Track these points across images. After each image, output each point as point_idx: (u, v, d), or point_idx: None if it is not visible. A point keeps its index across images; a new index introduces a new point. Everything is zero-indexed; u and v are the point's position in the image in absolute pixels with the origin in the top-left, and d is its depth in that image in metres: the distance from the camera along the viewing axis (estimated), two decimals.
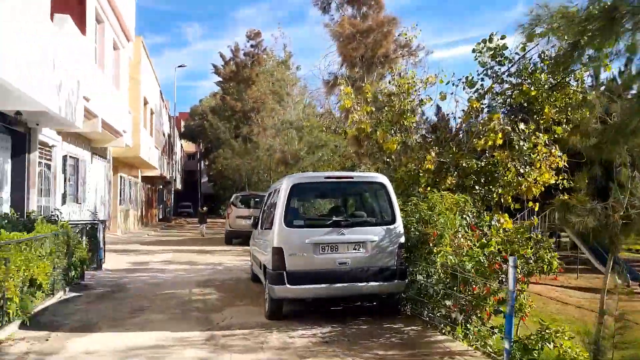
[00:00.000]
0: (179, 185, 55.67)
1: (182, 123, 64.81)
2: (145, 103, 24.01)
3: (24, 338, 5.83)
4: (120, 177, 23.44)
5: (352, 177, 6.83)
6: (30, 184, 11.42)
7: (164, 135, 34.11)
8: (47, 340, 5.82)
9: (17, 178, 11.11)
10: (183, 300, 8.10)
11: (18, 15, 7.95)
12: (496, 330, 6.21)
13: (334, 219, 6.73)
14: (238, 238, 17.24)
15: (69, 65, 10.45)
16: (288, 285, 6.26)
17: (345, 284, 6.37)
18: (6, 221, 9.23)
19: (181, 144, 63.47)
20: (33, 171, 11.48)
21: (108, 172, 20.87)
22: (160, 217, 44.91)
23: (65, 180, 14.30)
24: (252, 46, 34.31)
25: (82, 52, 11.81)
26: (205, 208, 27.40)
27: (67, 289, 8.51)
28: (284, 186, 6.59)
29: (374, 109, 9.39)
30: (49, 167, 13.13)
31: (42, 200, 12.55)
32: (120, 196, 23.55)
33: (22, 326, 6.17)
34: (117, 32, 16.24)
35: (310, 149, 15.34)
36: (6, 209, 10.76)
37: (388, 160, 9.50)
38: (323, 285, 6.32)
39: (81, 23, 11.79)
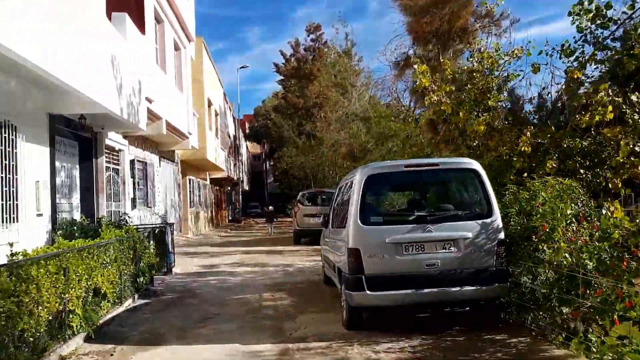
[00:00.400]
0: (246, 186, 56.51)
1: (247, 125, 65.78)
2: (210, 104, 24.08)
3: (88, 353, 5.43)
4: (189, 179, 23.66)
5: (437, 165, 5.89)
6: (98, 189, 11.37)
7: (229, 136, 34.40)
8: (111, 355, 5.39)
9: (86, 184, 11.07)
10: (253, 306, 7.52)
11: (75, 15, 7.70)
12: (626, 342, 5.08)
13: (417, 213, 5.84)
14: (306, 237, 16.70)
15: (129, 65, 10.22)
16: (368, 292, 5.46)
17: (434, 289, 5.48)
18: (75, 227, 9.13)
19: (246, 145, 64.44)
20: (101, 176, 11.43)
21: (177, 175, 21.04)
22: (230, 218, 45.65)
23: (134, 185, 14.33)
24: (312, 40, 33.83)
25: (142, 52, 11.62)
26: (271, 207, 26.88)
27: (135, 296, 8.21)
28: (358, 178, 5.79)
29: (453, 89, 8.36)
30: (117, 171, 13.14)
31: (112, 205, 12.54)
32: (190, 199, 23.77)
33: (88, 339, 5.80)
34: (177, 31, 16.13)
35: (379, 140, 14.45)
36: (77, 215, 10.74)
37: (472, 145, 8.44)
38: (408, 291, 5.47)
39: (140, 22, 11.60)
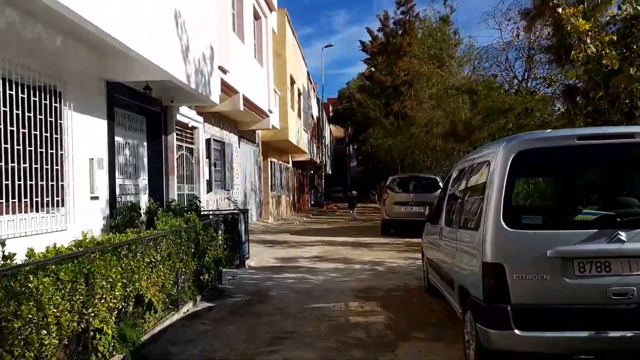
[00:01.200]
0: (329, 170, 55.31)
1: (330, 108, 64.47)
2: (292, 82, 22.71)
3: None
4: (271, 162, 22.55)
5: (632, 136, 3.77)
6: (169, 170, 10.24)
7: (312, 118, 33.05)
8: None
9: (155, 163, 9.98)
10: (338, 322, 5.84)
11: None
12: None
13: (598, 212, 3.80)
14: (396, 227, 14.82)
15: (198, 26, 8.85)
16: (516, 331, 3.54)
17: (628, 333, 3.44)
18: (136, 213, 7.98)
19: (330, 129, 63.16)
20: (172, 155, 10.29)
21: (257, 157, 19.93)
22: (312, 202, 44.69)
23: (210, 166, 13.22)
24: (402, 13, 31.27)
25: (216, 14, 10.23)
26: (354, 192, 26.20)
27: (198, 298, 6.86)
28: (501, 156, 3.84)
29: (615, 38, 6.05)
30: (191, 151, 12.02)
31: (185, 188, 11.45)
32: (271, 182, 22.69)
33: None
34: None
35: (488, 117, 12.15)
36: (144, 198, 9.68)
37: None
38: (584, 334, 3.49)
39: None
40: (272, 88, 17.21)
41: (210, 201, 13.14)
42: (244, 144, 17.58)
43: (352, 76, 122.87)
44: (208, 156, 13.16)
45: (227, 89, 11.58)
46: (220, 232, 8.93)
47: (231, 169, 15.15)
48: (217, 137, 14.11)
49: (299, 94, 25.57)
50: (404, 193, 14.44)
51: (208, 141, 13.15)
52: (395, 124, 26.41)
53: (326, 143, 51.87)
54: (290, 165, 29.25)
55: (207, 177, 12.88)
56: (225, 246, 9.37)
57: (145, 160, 9.86)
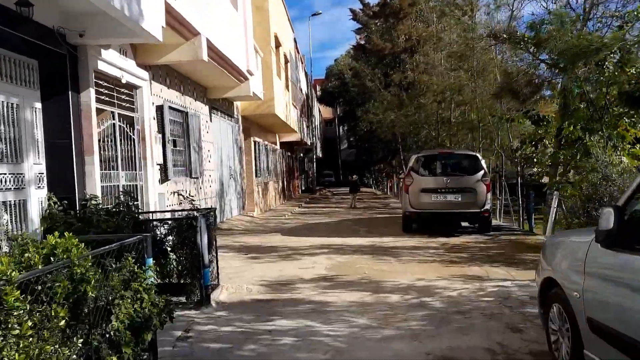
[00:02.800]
0: (319, 153, 51.49)
1: (318, 88, 60.44)
2: (278, 45, 18.75)
3: None
4: (254, 142, 18.70)
5: None
6: (84, 148, 6.41)
7: (301, 92, 29.11)
8: None
9: (57, 137, 6.14)
10: None
11: None
12: None
13: None
14: (421, 222, 11.18)
15: None
16: None
17: None
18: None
19: (319, 108, 59.17)
20: (88, 125, 6.45)
21: (237, 135, 16.06)
22: (303, 188, 40.93)
23: (164, 145, 9.37)
24: None
25: None
26: (355, 177, 24.16)
27: None
28: None
29: None
30: (130, 121, 8.16)
31: (119, 177, 7.61)
32: (256, 166, 18.88)
33: None
34: None
35: (563, 64, 8.55)
36: (39, 194, 5.89)
37: None
38: None
39: None
40: (252, 44, 13.29)
41: (166, 194, 9.33)
42: (218, 117, 13.69)
43: (338, 59, 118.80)
44: (161, 130, 9.29)
45: (180, 26, 7.69)
46: (170, 253, 5.20)
47: (199, 149, 11.30)
48: (177, 104, 10.23)
49: (286, 61, 21.62)
50: (434, 177, 10.68)
51: (160, 109, 9.27)
52: (399, 95, 22.58)
53: (316, 123, 47.96)
54: (278, 146, 25.42)
55: (159, 159, 9.03)
56: (180, 272, 5.73)
57: (40, 131, 6.00)
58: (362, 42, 29.07)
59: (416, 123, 20.36)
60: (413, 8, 24.52)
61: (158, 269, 5.52)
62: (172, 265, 5.93)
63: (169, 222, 5.92)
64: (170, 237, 5.95)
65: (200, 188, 11.60)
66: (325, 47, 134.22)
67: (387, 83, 25.68)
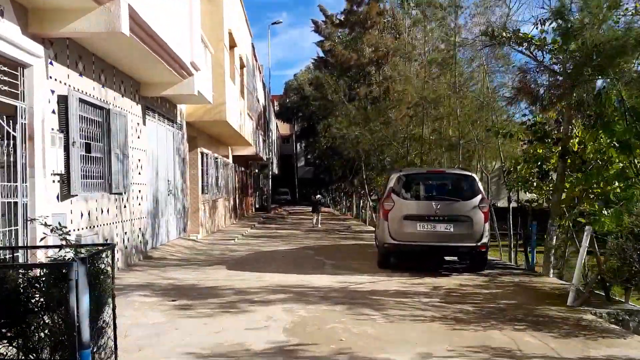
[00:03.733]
0: (275, 170, 49.22)
1: (275, 104, 58.48)
2: (232, 45, 16.58)
3: None
4: (202, 153, 16.32)
5: None
6: None
7: (258, 102, 26.92)
8: None
9: None
10: None
11: None
12: None
13: None
14: (400, 256, 9.15)
15: None
16: None
17: None
18: None
19: (276, 124, 57.08)
20: None
21: (180, 144, 13.67)
22: (257, 206, 38.47)
23: (67, 148, 6.93)
24: None
25: None
26: (319, 196, 23.39)
27: None
28: None
29: None
30: (11, 114, 5.77)
31: None
32: (203, 181, 16.46)
33: None
34: None
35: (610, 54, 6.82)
36: None
37: None
38: None
39: None
40: (199, 34, 11.07)
41: (69, 215, 6.87)
42: (155, 121, 11.31)
43: (298, 74, 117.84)
44: (64, 128, 6.86)
45: None
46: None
47: (124, 157, 8.87)
48: (94, 98, 7.83)
49: (242, 66, 19.44)
50: (421, 201, 8.68)
51: (65, 100, 6.86)
52: (365, 108, 20.76)
53: (273, 139, 45.81)
54: (230, 160, 23.03)
55: (59, 168, 6.58)
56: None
57: None
58: (326, 50, 27.23)
59: (383, 139, 18.51)
60: (381, 17, 22.99)
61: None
62: (38, 335, 3.61)
63: (25, 269, 3.57)
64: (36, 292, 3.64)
65: (125, 207, 9.16)
66: (284, 66, 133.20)
67: (351, 97, 23.91)
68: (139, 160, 10.01)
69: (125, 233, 9.23)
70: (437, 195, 8.86)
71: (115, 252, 6.16)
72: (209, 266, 9.44)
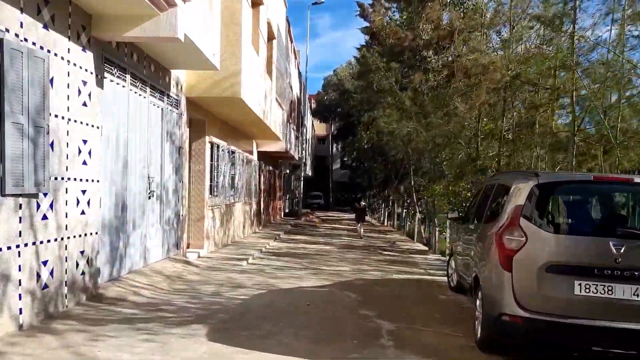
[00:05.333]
0: (308, 171, 45.32)
1: (312, 102, 54.80)
2: (257, 2, 12.72)
3: None
4: (212, 144, 12.55)
5: None
6: None
7: (291, 89, 23.07)
8: None
9: None
10: None
11: None
12: None
13: None
14: (538, 342, 4.86)
15: None
16: None
17: None
18: None
19: (312, 122, 53.26)
20: None
21: (176, 127, 9.89)
22: (287, 210, 34.67)
23: None
24: None
25: None
26: (363, 203, 21.92)
27: None
28: None
29: None
30: None
31: None
32: (212, 180, 12.68)
33: None
34: None
35: None
36: None
37: None
38: None
39: None
40: None
41: None
42: (125, 84, 7.49)
43: (337, 69, 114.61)
44: None
45: None
46: None
47: (41, 131, 5.05)
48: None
49: (271, 36, 15.58)
50: (583, 236, 4.50)
51: None
52: (424, 95, 16.54)
53: (307, 137, 41.94)
54: (254, 157, 19.25)
55: None
56: None
57: None
58: (373, 33, 23.02)
59: (446, 136, 14.23)
60: None
61: None
62: None
63: None
64: None
65: (46, 218, 5.34)
66: (323, 69, 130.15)
67: (403, 86, 19.71)
68: (84, 141, 6.19)
69: (45, 262, 5.42)
70: (618, 227, 4.63)
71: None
72: (179, 327, 5.48)
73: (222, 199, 13.66)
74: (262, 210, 22.11)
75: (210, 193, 12.58)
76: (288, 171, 34.88)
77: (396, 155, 19.33)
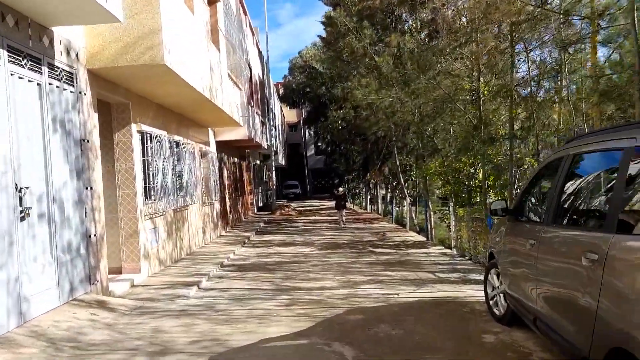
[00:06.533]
0: (281, 160, 42.24)
1: (280, 89, 51.66)
2: None
3: None
4: (144, 135, 9.57)
5: None
6: None
7: (250, 69, 20.03)
8: None
9: None
10: None
11: None
12: None
13: None
14: None
15: None
16: None
17: None
18: None
19: (281, 108, 50.11)
20: None
21: (70, 111, 6.87)
22: (261, 204, 31.72)
23: None
24: None
25: None
26: (341, 189, 20.46)
27: None
28: None
29: None
30: None
31: None
32: (148, 181, 9.73)
33: None
34: None
35: None
36: None
37: None
38: None
39: None
40: None
41: None
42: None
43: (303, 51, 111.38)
44: None
45: None
46: None
47: None
48: None
49: None
50: None
51: None
52: (411, 53, 13.75)
53: (277, 124, 38.82)
54: (212, 147, 16.28)
55: None
56: None
57: None
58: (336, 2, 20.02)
59: (442, 102, 11.50)
60: None
61: None
62: None
63: None
64: None
65: None
66: (288, 57, 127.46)
67: (377, 52, 16.89)
68: None
69: None
70: None
71: None
72: None
73: (166, 204, 10.73)
74: (228, 209, 19.19)
75: (147, 198, 9.65)
76: (258, 162, 31.90)
77: (377, 132, 16.58)
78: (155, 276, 9.31)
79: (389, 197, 26.03)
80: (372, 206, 30.92)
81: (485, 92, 10.83)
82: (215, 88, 11.70)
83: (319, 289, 7.88)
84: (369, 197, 32.62)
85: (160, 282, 8.67)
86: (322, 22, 19.13)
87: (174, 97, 10.23)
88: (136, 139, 9.25)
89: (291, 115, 61.45)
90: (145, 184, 9.52)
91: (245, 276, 9.34)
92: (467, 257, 11.08)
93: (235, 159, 22.01)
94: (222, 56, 12.90)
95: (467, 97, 11.34)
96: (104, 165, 8.88)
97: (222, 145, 18.31)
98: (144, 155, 9.54)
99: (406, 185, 19.70)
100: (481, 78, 10.69)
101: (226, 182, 19.14)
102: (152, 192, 9.81)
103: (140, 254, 9.04)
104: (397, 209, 20.86)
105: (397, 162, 18.54)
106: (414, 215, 18.57)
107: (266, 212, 27.56)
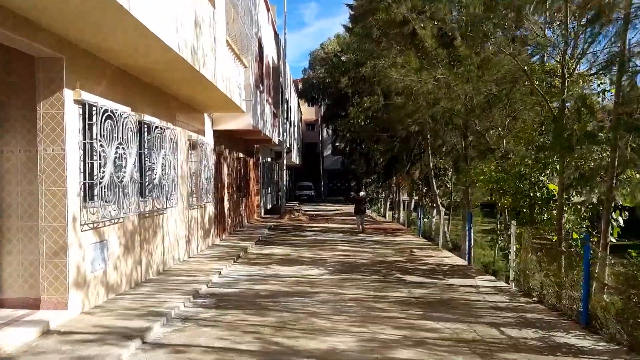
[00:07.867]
0: (295, 159, 39.18)
1: (299, 86, 48.87)
2: None
3: None
4: (86, 107, 6.59)
5: None
6: None
7: (260, 45, 17.00)
8: None
9: None
10: None
11: None
12: None
13: None
14: None
15: None
16: None
17: None
18: None
19: (298, 103, 47.14)
20: None
21: None
22: (270, 206, 28.75)
23: None
24: None
25: None
26: (362, 193, 19.82)
27: None
28: None
29: None
30: None
31: None
32: (89, 174, 6.75)
33: None
34: None
35: None
36: None
37: None
38: None
39: None
40: None
41: None
42: None
43: (325, 43, 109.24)
44: None
45: None
46: None
47: None
48: None
49: None
50: None
51: None
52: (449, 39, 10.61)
53: (293, 120, 35.79)
54: (207, 138, 13.32)
55: None
56: None
57: None
58: None
59: (516, 79, 8.35)
60: None
61: None
62: None
63: None
64: None
65: None
66: (309, 56, 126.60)
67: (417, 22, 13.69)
68: None
69: None
70: None
71: None
72: None
73: (125, 208, 7.74)
74: (227, 213, 16.24)
75: (88, 199, 6.68)
76: (269, 159, 28.95)
77: (411, 126, 13.45)
78: (93, 312, 6.35)
79: (412, 205, 22.86)
80: (393, 213, 27.71)
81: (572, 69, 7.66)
82: (205, 53, 8.72)
83: (326, 353, 4.87)
84: (388, 202, 29.43)
85: (91, 327, 5.69)
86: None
87: (140, 57, 7.26)
88: (72, 111, 6.31)
89: (309, 112, 58.71)
90: (84, 178, 6.56)
91: (223, 319, 6.33)
92: (534, 298, 8.02)
93: (240, 154, 19.06)
94: (218, 14, 9.90)
95: (547, 78, 8.23)
96: (17, 149, 5.97)
97: (223, 137, 15.37)
98: (84, 138, 6.58)
99: (438, 192, 16.53)
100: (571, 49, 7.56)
101: (226, 181, 16.20)
102: (97, 191, 6.84)
103: (68, 280, 6.10)
104: (425, 219, 17.69)
105: (431, 165, 15.41)
106: (446, 229, 15.38)
107: (274, 216, 24.56)
